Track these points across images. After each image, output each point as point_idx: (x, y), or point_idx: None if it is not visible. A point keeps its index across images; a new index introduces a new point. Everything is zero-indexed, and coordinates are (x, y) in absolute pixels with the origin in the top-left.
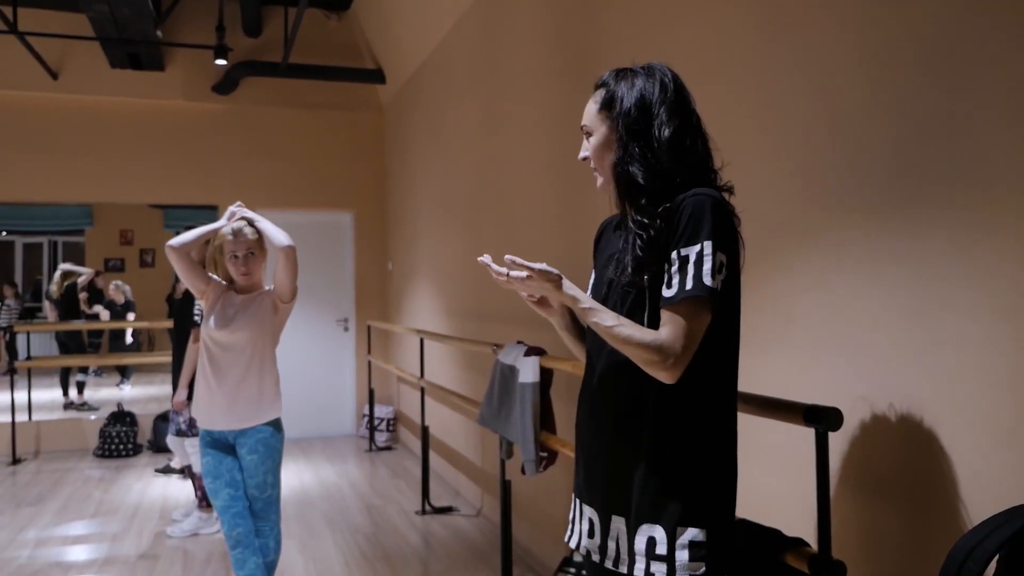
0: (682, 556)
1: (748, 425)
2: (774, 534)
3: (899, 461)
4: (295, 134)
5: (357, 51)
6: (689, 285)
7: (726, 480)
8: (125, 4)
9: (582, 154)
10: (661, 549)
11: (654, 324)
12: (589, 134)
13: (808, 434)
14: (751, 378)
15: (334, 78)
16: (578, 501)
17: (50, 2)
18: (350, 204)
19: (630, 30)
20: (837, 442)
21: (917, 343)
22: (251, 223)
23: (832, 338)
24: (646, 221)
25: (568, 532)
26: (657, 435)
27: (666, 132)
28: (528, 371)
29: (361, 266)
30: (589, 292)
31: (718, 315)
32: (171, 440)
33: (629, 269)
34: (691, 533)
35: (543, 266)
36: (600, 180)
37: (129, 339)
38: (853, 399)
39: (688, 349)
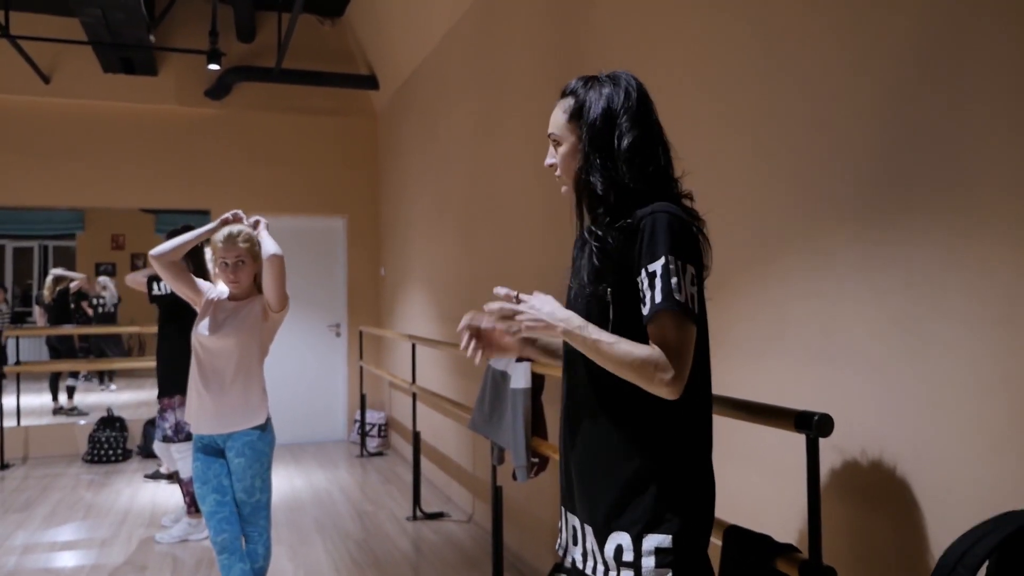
0: (648, 562)
1: (739, 431)
2: (765, 540)
3: (890, 467)
4: (288, 139)
5: (351, 57)
6: (659, 299)
7: (694, 486)
8: (118, 8)
9: (549, 161)
10: (628, 556)
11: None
12: (557, 143)
13: (799, 440)
14: (743, 384)
15: (327, 84)
16: (563, 509)
17: (42, 6)
18: (343, 209)
19: (622, 36)
20: (828, 448)
21: (908, 349)
22: (251, 228)
23: (824, 345)
24: (600, 232)
25: (558, 540)
26: (623, 443)
27: (626, 142)
28: (520, 377)
29: (354, 271)
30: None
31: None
32: (157, 446)
33: (587, 280)
34: (656, 539)
35: (533, 308)
36: (564, 189)
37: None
38: (844, 405)
39: (679, 361)
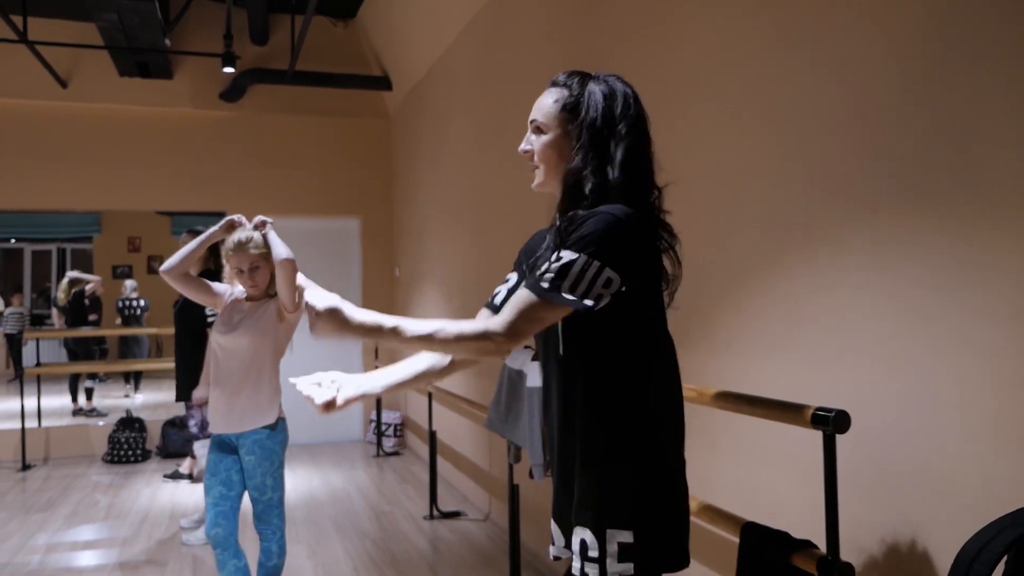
0: (612, 558)
1: (753, 428)
2: (782, 536)
3: (907, 463)
4: (302, 141)
5: (363, 58)
6: (545, 284)
7: (656, 482)
8: (134, 13)
9: (524, 147)
10: (592, 552)
11: (571, 334)
12: (540, 131)
13: (814, 436)
14: (757, 381)
15: (341, 85)
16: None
17: (60, 11)
18: (357, 210)
19: (635, 35)
20: (845, 444)
21: (925, 345)
22: (261, 232)
23: (839, 341)
24: (559, 224)
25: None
26: (584, 442)
27: (621, 149)
28: (536, 375)
29: (368, 272)
30: (502, 294)
31: (623, 324)
32: (195, 444)
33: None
34: (618, 535)
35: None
36: (539, 179)
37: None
38: (860, 401)
39: (515, 331)
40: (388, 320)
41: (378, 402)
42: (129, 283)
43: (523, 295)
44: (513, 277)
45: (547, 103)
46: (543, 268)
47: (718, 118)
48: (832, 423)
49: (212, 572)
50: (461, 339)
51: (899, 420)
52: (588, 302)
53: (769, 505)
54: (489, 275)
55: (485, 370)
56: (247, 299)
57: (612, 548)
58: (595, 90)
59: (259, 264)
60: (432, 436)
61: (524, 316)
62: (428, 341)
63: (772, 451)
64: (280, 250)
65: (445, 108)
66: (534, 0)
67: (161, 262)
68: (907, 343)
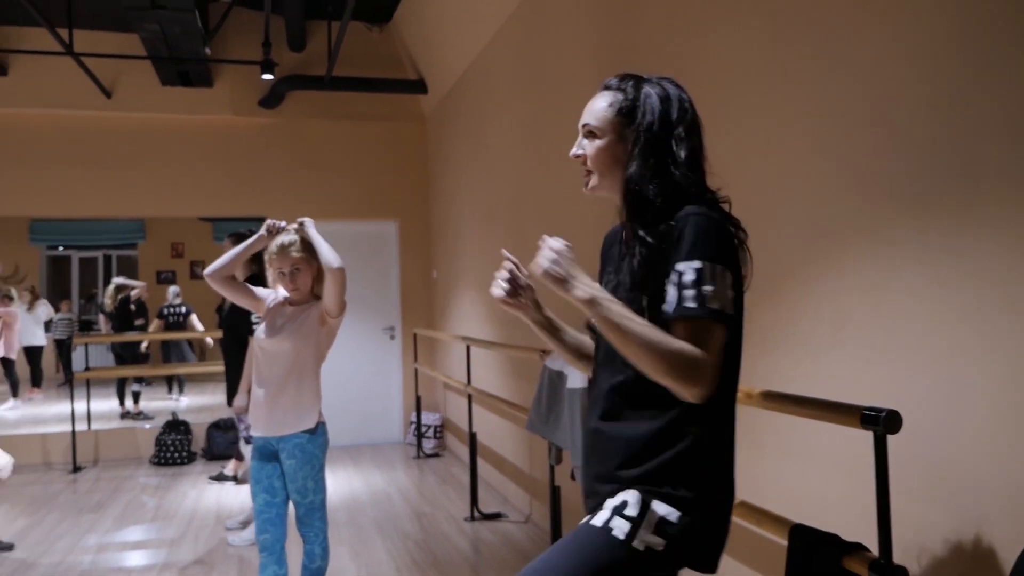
0: (648, 526)
1: (800, 429)
2: (832, 539)
3: (961, 464)
4: (340, 146)
5: (399, 62)
6: (692, 304)
7: (714, 476)
8: (175, 23)
9: (576, 151)
10: (630, 511)
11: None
12: (593, 135)
13: (863, 437)
14: (804, 381)
15: (377, 90)
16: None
17: (104, 24)
18: (395, 213)
19: (672, 35)
20: (894, 444)
21: (976, 343)
22: (301, 235)
23: (888, 340)
24: (649, 239)
25: None
26: (652, 418)
27: (684, 151)
28: (577, 377)
29: (406, 274)
30: None
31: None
32: (242, 446)
33: (628, 286)
34: (664, 509)
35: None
36: (592, 182)
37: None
38: (911, 401)
39: (713, 363)
40: (603, 291)
41: (418, 404)
42: (172, 289)
43: (701, 330)
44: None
45: (600, 107)
46: (677, 294)
47: (756, 118)
48: (883, 423)
49: (256, 572)
50: (668, 355)
51: (950, 419)
52: (729, 311)
53: (817, 507)
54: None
55: (524, 372)
56: (290, 303)
57: (652, 518)
58: (651, 93)
59: (300, 267)
60: (472, 438)
61: (716, 349)
62: (633, 341)
63: (819, 452)
64: (330, 258)
65: (481, 111)
66: (568, 1)
67: (204, 267)
68: (958, 340)
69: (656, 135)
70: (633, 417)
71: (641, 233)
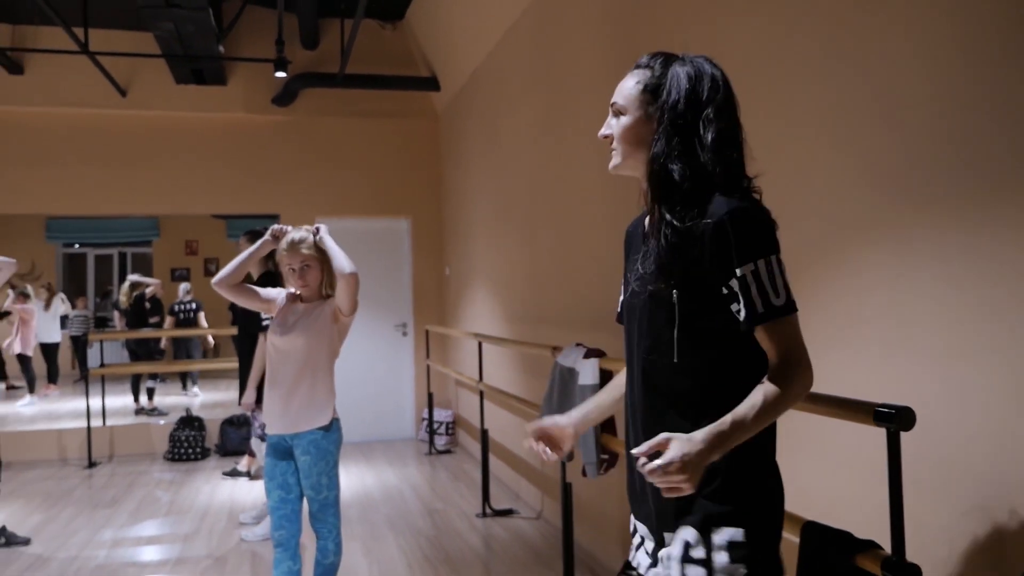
0: (720, 558)
1: (812, 425)
2: (845, 536)
3: (976, 462)
4: (353, 143)
5: (412, 60)
6: (780, 301)
7: (764, 480)
8: (189, 21)
9: (605, 131)
10: (697, 552)
11: (687, 341)
12: (620, 113)
13: (876, 434)
14: (817, 378)
15: (390, 87)
16: (632, 515)
17: (118, 23)
18: (407, 211)
19: (685, 30)
20: (908, 442)
21: (992, 340)
22: (316, 239)
23: (901, 337)
24: (676, 223)
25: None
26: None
27: (712, 132)
28: (588, 373)
29: (419, 271)
30: (620, 299)
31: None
32: (254, 443)
33: (649, 276)
34: (728, 533)
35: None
36: (615, 160)
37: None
38: (925, 398)
39: (806, 358)
40: (728, 425)
41: (430, 400)
42: (183, 286)
43: (788, 330)
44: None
45: (628, 85)
46: (749, 300)
47: (770, 114)
48: (896, 420)
49: (270, 568)
50: (794, 398)
51: (965, 416)
52: (792, 298)
53: (829, 504)
54: (538, 273)
55: (535, 368)
56: (301, 300)
57: (721, 548)
58: (679, 72)
59: (310, 263)
60: (484, 434)
61: (798, 342)
62: (769, 414)
63: (832, 449)
64: (343, 264)
65: (493, 107)
66: None
67: (218, 266)
68: (973, 337)
69: (681, 114)
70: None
71: (667, 216)
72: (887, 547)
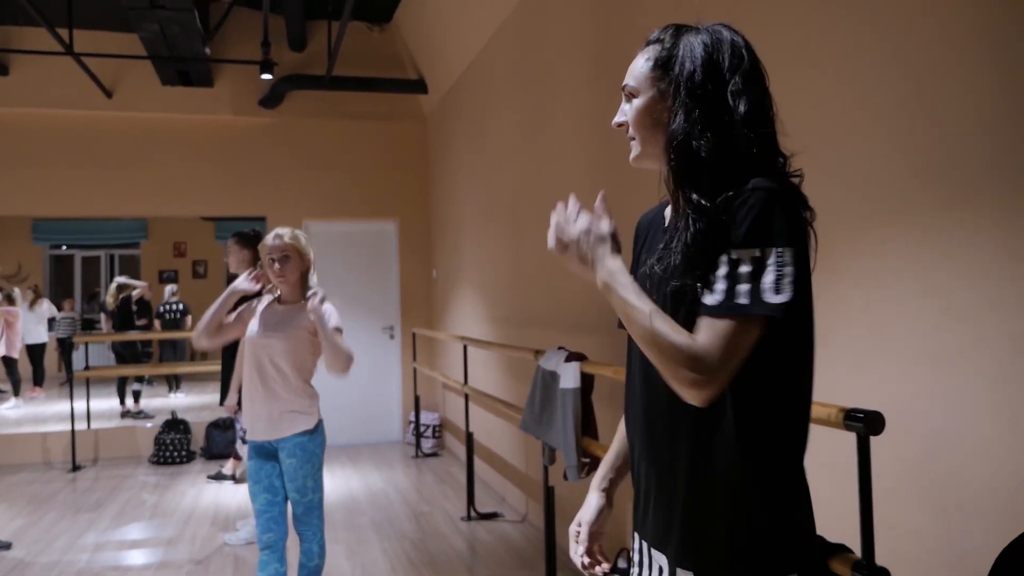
0: None
1: None
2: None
3: (945, 465)
4: (340, 145)
5: (399, 62)
6: (744, 299)
7: (796, 517)
8: (175, 22)
9: (618, 119)
10: None
11: None
12: (632, 95)
13: (848, 438)
14: None
15: (377, 89)
16: (636, 533)
17: (104, 23)
18: (394, 213)
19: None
20: (881, 446)
21: (963, 343)
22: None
23: (876, 339)
24: (705, 204)
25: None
26: (704, 457)
27: (744, 104)
28: (569, 377)
29: (406, 274)
30: None
31: (788, 327)
32: (239, 446)
33: (680, 269)
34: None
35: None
36: (635, 151)
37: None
38: (898, 402)
39: (727, 367)
40: (624, 275)
41: (416, 403)
42: (169, 288)
43: (729, 329)
44: None
45: (638, 64)
46: (725, 285)
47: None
48: (866, 424)
49: (253, 571)
50: (667, 360)
51: (937, 420)
52: (780, 305)
53: None
54: (524, 276)
55: (520, 371)
56: (279, 302)
57: None
58: (693, 41)
59: (288, 254)
60: (469, 437)
61: (744, 348)
62: (636, 325)
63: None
64: (336, 363)
65: (480, 110)
66: (567, 0)
67: (206, 268)
68: (948, 341)
69: (700, 85)
70: (722, 472)
71: (695, 197)
72: (857, 550)
